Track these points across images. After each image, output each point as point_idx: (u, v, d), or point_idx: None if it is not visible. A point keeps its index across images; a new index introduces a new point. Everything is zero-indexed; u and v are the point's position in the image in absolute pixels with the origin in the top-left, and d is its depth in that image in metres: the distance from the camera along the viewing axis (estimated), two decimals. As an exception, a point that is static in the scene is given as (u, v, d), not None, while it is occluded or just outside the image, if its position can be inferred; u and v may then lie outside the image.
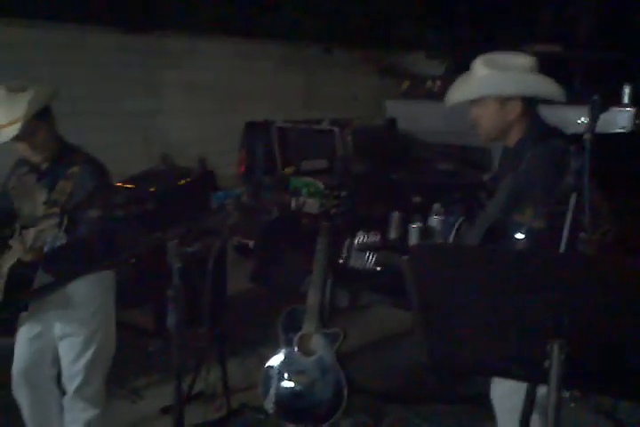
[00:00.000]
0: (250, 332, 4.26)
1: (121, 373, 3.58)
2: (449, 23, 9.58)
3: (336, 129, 4.94)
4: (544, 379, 1.43)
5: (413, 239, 3.76)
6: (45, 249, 2.47)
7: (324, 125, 5.07)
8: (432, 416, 3.45)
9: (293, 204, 4.09)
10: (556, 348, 1.41)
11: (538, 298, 1.43)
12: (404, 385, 3.89)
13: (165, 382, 3.83)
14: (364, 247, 2.77)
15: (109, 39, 7.81)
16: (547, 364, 1.42)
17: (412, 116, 5.75)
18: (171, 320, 2.34)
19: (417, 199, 4.05)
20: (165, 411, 3.57)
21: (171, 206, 4.24)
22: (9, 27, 6.90)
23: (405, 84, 7.19)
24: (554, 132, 2.33)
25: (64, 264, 2.63)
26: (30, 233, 2.45)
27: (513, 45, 5.66)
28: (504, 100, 2.28)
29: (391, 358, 4.18)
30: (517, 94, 2.27)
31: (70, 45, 7.43)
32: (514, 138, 2.35)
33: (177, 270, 2.07)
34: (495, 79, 2.29)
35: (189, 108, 8.60)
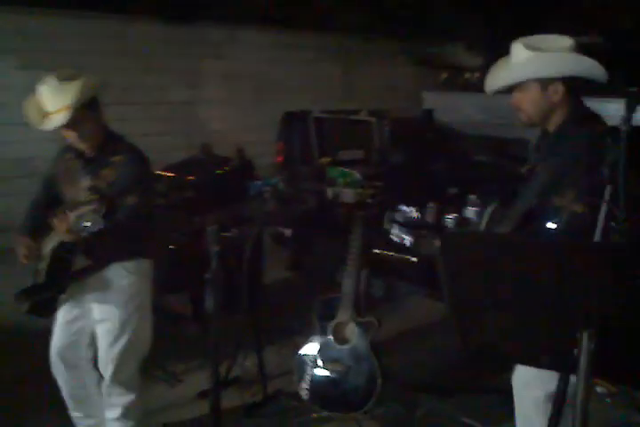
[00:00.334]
0: (286, 320, 4.31)
1: (160, 357, 3.67)
2: (489, 14, 9.44)
3: (373, 120, 4.95)
4: (573, 368, 1.44)
5: (449, 230, 3.76)
6: (84, 233, 2.52)
7: (362, 116, 5.07)
8: (466, 407, 3.45)
9: (329, 193, 4.12)
10: (585, 337, 1.42)
11: (567, 287, 1.44)
12: (438, 376, 3.90)
13: (203, 367, 3.92)
14: (404, 222, 2.77)
15: (151, 30, 7.91)
16: (576, 353, 1.43)
17: (450, 108, 5.71)
18: (208, 303, 2.39)
19: (453, 191, 4.04)
20: (203, 395, 3.65)
21: (209, 194, 4.33)
22: (55, 17, 7.06)
23: (443, 76, 7.14)
24: (596, 118, 2.29)
25: (102, 249, 2.71)
26: (71, 216, 2.51)
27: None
28: (546, 83, 2.24)
29: (425, 348, 4.20)
30: (559, 75, 2.23)
31: (113, 36, 7.55)
32: (555, 122, 2.31)
33: (215, 254, 2.12)
34: (535, 62, 2.25)
35: (229, 97, 8.68)
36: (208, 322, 2.48)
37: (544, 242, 1.79)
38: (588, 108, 2.33)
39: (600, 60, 2.31)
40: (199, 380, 3.78)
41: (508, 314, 1.54)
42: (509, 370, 2.51)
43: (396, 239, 2.72)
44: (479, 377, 3.66)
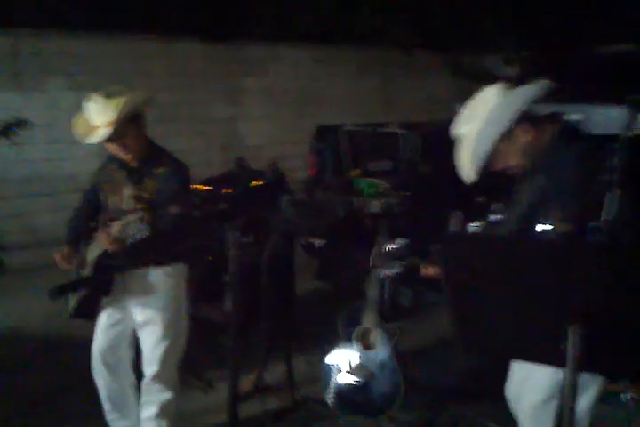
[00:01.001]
0: (315, 328, 4.37)
1: (194, 364, 3.76)
2: (526, 26, 9.42)
3: (401, 131, 5.01)
4: (562, 362, 1.49)
5: (472, 238, 3.77)
6: (128, 241, 2.65)
7: (391, 128, 5.14)
8: (491, 413, 3.44)
9: (357, 204, 4.19)
10: (572, 331, 1.47)
11: (556, 284, 1.49)
12: (464, 382, 3.90)
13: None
14: (390, 255, 2.82)
15: (193, 49, 8.14)
16: (564, 347, 1.48)
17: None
18: (228, 305, 2.47)
19: (481, 199, 4.06)
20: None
21: (242, 207, 4.45)
22: (102, 40, 7.34)
23: (479, 87, 7.11)
24: (581, 135, 2.31)
25: (144, 256, 2.83)
26: (116, 226, 2.65)
27: (587, 47, 5.59)
28: (509, 132, 2.23)
29: (452, 356, 4.19)
30: (511, 119, 2.21)
31: (158, 56, 7.80)
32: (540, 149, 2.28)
33: (234, 258, 2.21)
34: (488, 127, 2.25)
35: (269, 113, 8.85)
36: (231, 325, 2.55)
37: (533, 241, 1.84)
38: (571, 127, 2.33)
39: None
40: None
41: (504, 310, 1.60)
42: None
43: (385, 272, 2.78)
44: (504, 383, 3.65)
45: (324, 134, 5.33)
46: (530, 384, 2.30)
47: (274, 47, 8.89)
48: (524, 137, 2.24)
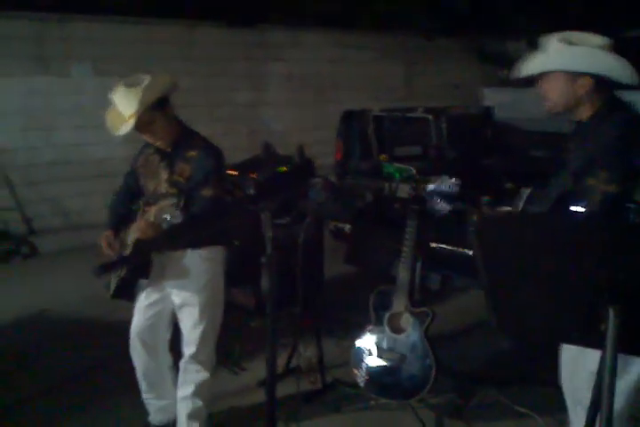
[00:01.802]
0: (344, 312, 4.43)
1: (225, 347, 3.83)
2: (551, 11, 9.32)
3: (430, 116, 5.02)
4: (601, 343, 1.51)
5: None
6: (164, 225, 2.69)
7: (419, 113, 5.15)
8: (522, 398, 3.49)
9: (386, 189, 4.22)
10: (611, 312, 1.49)
11: (595, 264, 1.51)
12: (494, 367, 3.95)
13: (264, 357, 4.07)
14: (443, 194, 2.82)
15: (215, 34, 8.17)
16: (603, 328, 1.50)
17: (510, 104, 5.72)
18: (265, 286, 2.50)
19: (509, 185, 4.07)
20: (262, 384, 3.81)
21: (271, 192, 4.49)
22: (125, 25, 7.39)
23: (504, 72, 7.12)
24: (629, 107, 2.33)
25: (178, 240, 2.86)
26: (152, 211, 2.70)
27: (615, 32, 5.51)
28: (574, 76, 2.27)
29: (480, 340, 4.24)
30: (585, 71, 2.26)
31: (180, 41, 7.84)
32: (583, 114, 2.34)
33: (269, 239, 2.24)
34: (566, 54, 2.29)
35: (291, 98, 8.87)
36: (266, 308, 2.58)
37: (571, 219, 1.86)
38: (620, 99, 2.35)
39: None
40: (262, 369, 3.94)
41: (541, 291, 1.62)
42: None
43: (439, 209, 2.76)
44: (535, 369, 3.69)
45: (351, 119, 5.35)
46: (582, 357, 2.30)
47: (295, 32, 8.90)
48: (579, 89, 2.28)
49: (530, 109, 5.57)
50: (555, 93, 2.35)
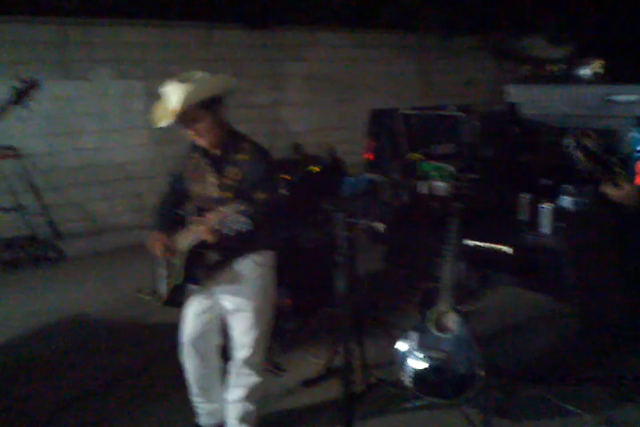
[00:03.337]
0: (385, 311, 4.42)
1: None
2: (571, 7, 9.28)
3: (462, 114, 5.01)
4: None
5: (545, 220, 3.80)
6: (227, 232, 2.61)
7: (450, 111, 5.14)
8: (567, 396, 3.48)
9: (423, 187, 4.21)
10: None
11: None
12: (537, 365, 3.93)
13: (304, 358, 4.09)
14: None
15: (234, 36, 8.18)
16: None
17: (535, 101, 5.70)
18: (338, 284, 2.47)
19: (544, 182, 4.07)
20: (307, 384, 3.82)
21: (303, 192, 4.50)
22: (145, 28, 7.41)
23: (525, 69, 7.11)
24: None
25: (238, 245, 2.86)
26: (212, 216, 2.64)
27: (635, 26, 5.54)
28: None
29: (522, 338, 4.23)
30: None
31: (199, 43, 7.86)
32: None
33: (344, 238, 2.23)
34: None
35: (311, 98, 8.89)
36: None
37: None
38: None
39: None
40: (301, 370, 3.95)
41: (634, 290, 1.62)
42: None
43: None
44: (582, 366, 3.68)
45: (380, 118, 5.34)
46: None
47: (313, 32, 8.90)
48: None
49: (558, 106, 5.58)
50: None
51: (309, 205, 4.42)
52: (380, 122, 5.28)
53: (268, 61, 8.50)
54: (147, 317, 4.49)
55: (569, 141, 2.28)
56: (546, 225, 3.85)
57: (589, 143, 2.26)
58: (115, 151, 7.27)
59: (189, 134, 2.86)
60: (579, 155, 2.13)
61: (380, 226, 4.26)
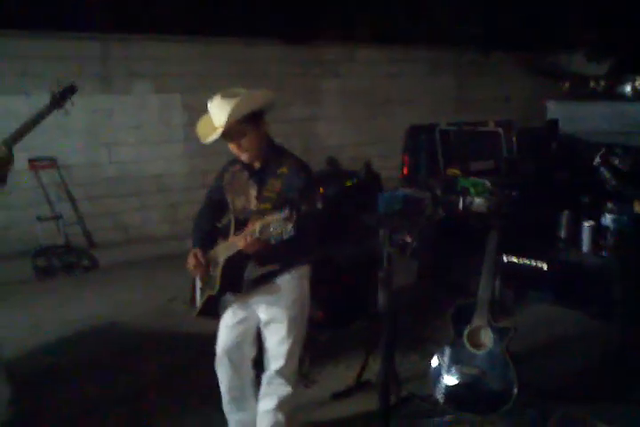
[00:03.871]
0: (416, 326, 4.39)
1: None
2: (608, 23, 9.21)
3: (500, 130, 4.99)
4: None
5: (586, 237, 3.75)
6: (272, 241, 2.57)
7: (490, 127, 5.12)
8: (602, 415, 3.39)
9: (461, 203, 4.18)
10: None
11: None
12: (572, 383, 3.85)
13: (335, 370, 4.06)
14: None
15: (271, 51, 8.26)
16: None
17: (576, 117, 5.66)
18: (382, 300, 2.46)
19: (585, 199, 4.02)
20: (337, 396, 3.79)
21: (340, 206, 4.50)
22: (184, 43, 7.52)
23: (566, 85, 7.06)
24: None
25: (281, 256, 2.84)
26: (255, 226, 2.60)
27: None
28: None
29: (557, 355, 4.16)
30: None
31: (237, 58, 7.94)
32: None
33: (387, 255, 2.22)
34: None
35: (346, 114, 8.92)
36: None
37: None
38: None
39: None
40: (332, 382, 3.93)
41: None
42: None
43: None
44: (618, 385, 3.60)
45: (418, 134, 5.35)
46: None
47: (350, 48, 8.96)
48: None
49: (597, 122, 5.53)
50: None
51: (344, 218, 4.42)
52: (418, 138, 5.28)
53: (305, 76, 8.56)
54: (179, 326, 4.49)
55: (597, 160, 2.27)
56: (587, 243, 3.81)
57: (616, 161, 2.23)
58: (151, 163, 7.37)
59: (232, 148, 2.90)
60: (605, 173, 2.10)
61: (408, 239, 4.25)
